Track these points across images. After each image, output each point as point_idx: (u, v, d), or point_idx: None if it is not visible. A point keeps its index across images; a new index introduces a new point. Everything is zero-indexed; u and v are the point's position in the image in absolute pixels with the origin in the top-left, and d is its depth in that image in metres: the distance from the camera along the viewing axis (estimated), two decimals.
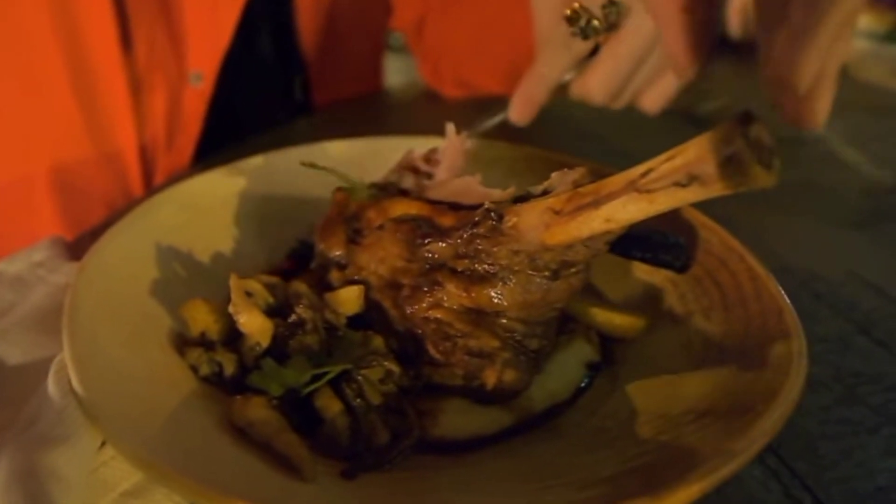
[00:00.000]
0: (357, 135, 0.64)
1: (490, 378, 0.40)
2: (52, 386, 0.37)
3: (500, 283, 0.39)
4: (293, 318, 0.41)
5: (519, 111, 0.58)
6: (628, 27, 0.53)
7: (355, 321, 0.44)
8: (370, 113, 0.97)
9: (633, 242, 0.48)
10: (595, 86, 0.57)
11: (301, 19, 0.89)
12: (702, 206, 0.52)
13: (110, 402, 0.35)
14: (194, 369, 0.42)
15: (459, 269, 0.40)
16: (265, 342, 0.41)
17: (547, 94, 0.58)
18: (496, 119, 0.61)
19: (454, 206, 0.43)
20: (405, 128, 0.67)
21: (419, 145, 0.62)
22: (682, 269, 0.49)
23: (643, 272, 0.52)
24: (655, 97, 0.59)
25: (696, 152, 0.33)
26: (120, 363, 0.39)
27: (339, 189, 0.49)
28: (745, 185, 0.32)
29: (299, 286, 0.44)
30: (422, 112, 1.00)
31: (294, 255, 0.55)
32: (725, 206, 0.52)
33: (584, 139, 0.91)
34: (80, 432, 0.35)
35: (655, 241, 0.49)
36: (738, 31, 1.25)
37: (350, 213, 0.48)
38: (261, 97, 0.90)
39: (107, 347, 0.39)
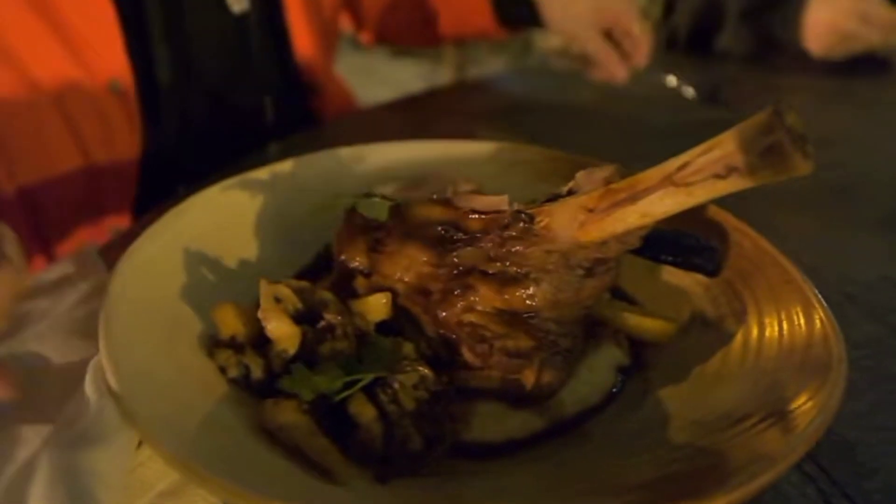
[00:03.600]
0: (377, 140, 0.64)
1: (529, 378, 0.40)
2: (89, 387, 0.38)
3: (533, 284, 0.39)
4: (322, 323, 0.41)
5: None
6: None
7: (382, 327, 0.44)
8: (389, 120, 0.97)
9: (664, 246, 0.48)
10: None
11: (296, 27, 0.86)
12: (731, 208, 0.52)
13: (146, 404, 0.35)
14: (223, 370, 0.43)
15: (491, 272, 0.40)
16: (292, 349, 0.41)
17: None
18: None
19: (477, 211, 0.43)
20: (426, 132, 0.67)
21: (441, 149, 0.62)
22: (713, 273, 0.48)
23: (673, 276, 0.51)
24: None
25: (734, 143, 0.33)
26: (154, 365, 0.39)
27: (352, 211, 0.48)
28: (785, 173, 0.32)
29: (324, 293, 0.44)
30: (443, 117, 1.00)
31: (321, 259, 0.55)
32: (754, 208, 0.52)
33: (599, 140, 0.90)
34: (117, 433, 0.36)
35: (687, 244, 0.48)
36: (820, 49, 1.18)
37: (369, 222, 0.47)
38: (229, 122, 0.83)
39: (141, 350, 0.39)
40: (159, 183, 0.78)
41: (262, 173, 0.57)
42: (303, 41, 0.87)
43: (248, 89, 0.84)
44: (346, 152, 0.61)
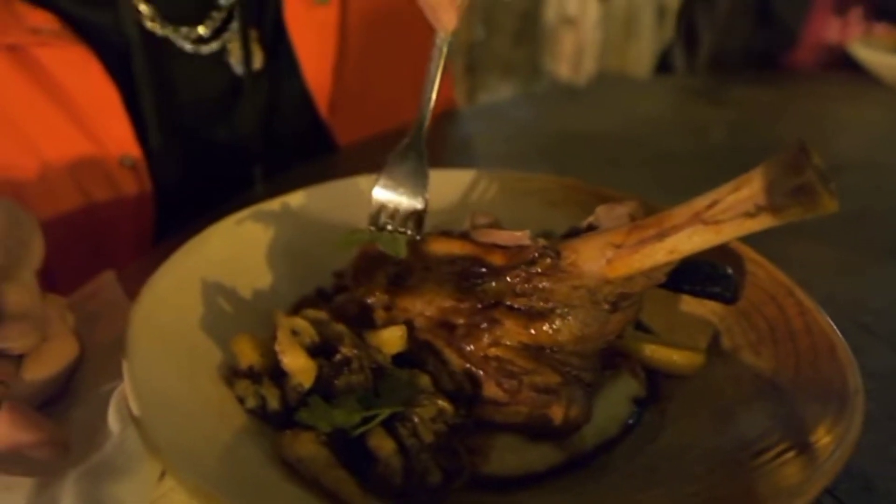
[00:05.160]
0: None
1: (557, 413, 0.40)
2: (112, 418, 0.38)
3: (559, 319, 0.40)
4: (338, 356, 0.42)
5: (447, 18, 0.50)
6: None
7: (398, 359, 0.44)
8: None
9: (682, 275, 0.48)
10: None
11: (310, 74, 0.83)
12: (745, 237, 0.52)
13: (169, 433, 0.35)
14: (241, 401, 0.43)
15: (516, 307, 0.41)
16: (307, 383, 0.41)
17: None
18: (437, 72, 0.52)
19: (499, 246, 0.44)
20: (437, 160, 0.68)
21: (454, 178, 0.63)
22: (731, 301, 0.48)
23: (688, 305, 0.51)
24: None
25: (762, 183, 0.34)
26: (175, 395, 0.39)
27: (364, 252, 0.48)
28: (813, 211, 0.33)
29: (339, 326, 0.44)
30: (456, 143, 1.01)
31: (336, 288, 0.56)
32: (767, 237, 0.52)
33: (611, 166, 0.91)
34: (140, 463, 0.36)
35: (704, 273, 0.48)
36: None
37: (387, 256, 0.47)
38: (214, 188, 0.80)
39: (163, 379, 0.40)
40: (167, 223, 0.79)
41: (274, 204, 0.58)
42: (323, 99, 0.84)
43: (243, 153, 0.83)
44: (359, 182, 0.62)
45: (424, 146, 0.50)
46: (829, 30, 1.44)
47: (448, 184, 0.63)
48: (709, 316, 0.50)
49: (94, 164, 0.72)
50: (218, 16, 0.76)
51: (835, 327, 0.44)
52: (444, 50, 0.51)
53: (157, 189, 0.77)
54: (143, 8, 0.72)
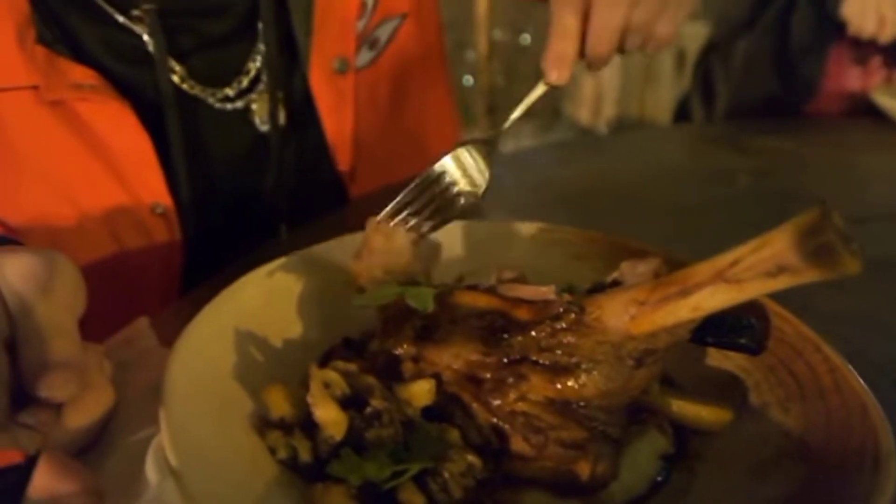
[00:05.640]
0: None
1: (584, 470, 0.40)
2: (150, 468, 0.39)
3: (584, 374, 0.40)
4: (369, 409, 0.42)
5: (555, 71, 0.59)
6: None
7: (426, 412, 0.45)
8: None
9: (706, 328, 0.48)
10: (600, 31, 0.59)
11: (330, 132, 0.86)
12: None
13: (205, 485, 0.36)
14: (272, 451, 0.44)
15: (542, 362, 0.41)
16: (339, 436, 0.42)
17: (576, 49, 0.59)
18: (533, 94, 0.61)
19: (524, 301, 0.44)
20: None
21: (479, 231, 0.64)
22: (757, 352, 0.48)
23: (715, 359, 0.51)
24: (658, 39, 0.63)
25: (783, 243, 0.34)
26: (211, 444, 0.40)
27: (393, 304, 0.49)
28: (835, 272, 0.33)
29: (369, 378, 0.45)
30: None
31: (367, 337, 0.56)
32: (793, 289, 0.52)
33: (629, 214, 0.92)
34: None
35: (729, 324, 0.48)
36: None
37: (415, 309, 0.48)
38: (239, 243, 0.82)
39: (199, 430, 0.41)
40: (194, 270, 0.82)
41: (304, 255, 0.59)
42: (343, 155, 0.88)
43: (267, 203, 0.86)
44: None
45: (497, 148, 0.57)
46: (850, 78, 1.45)
47: (473, 235, 0.64)
48: (736, 371, 0.50)
49: (128, 212, 0.76)
50: (245, 79, 0.81)
51: (865, 386, 0.43)
52: (541, 88, 0.60)
53: (185, 236, 0.80)
54: (176, 68, 0.77)
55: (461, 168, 0.56)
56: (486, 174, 0.56)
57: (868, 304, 0.71)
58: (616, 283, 0.44)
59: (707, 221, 0.91)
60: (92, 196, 0.74)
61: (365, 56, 0.86)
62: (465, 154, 0.56)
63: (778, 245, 0.34)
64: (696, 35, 1.98)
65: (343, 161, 0.87)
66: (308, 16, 0.80)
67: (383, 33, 0.88)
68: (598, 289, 0.44)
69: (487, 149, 0.57)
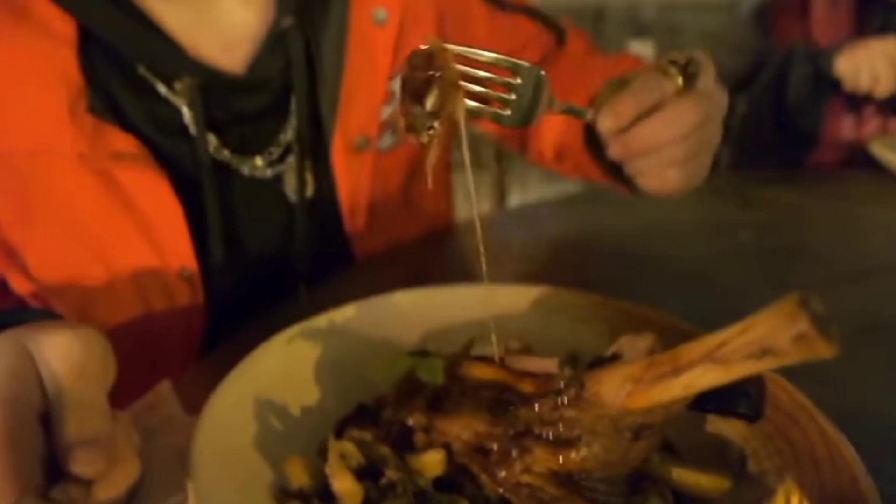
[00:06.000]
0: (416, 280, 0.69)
1: None
2: None
3: (585, 447, 0.43)
4: (384, 480, 0.45)
5: (610, 120, 0.61)
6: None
7: (437, 481, 0.47)
8: (426, 255, 1.00)
9: (705, 395, 0.50)
10: (640, 135, 0.61)
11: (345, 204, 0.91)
12: None
13: None
14: None
15: (545, 434, 0.44)
16: None
17: (635, 113, 0.61)
18: (585, 113, 0.62)
19: (528, 374, 0.47)
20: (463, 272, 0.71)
21: (484, 295, 0.67)
22: (755, 419, 0.49)
23: (713, 426, 0.53)
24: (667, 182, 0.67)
25: (766, 329, 0.37)
26: None
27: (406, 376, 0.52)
28: (812, 356, 0.36)
29: (383, 449, 0.47)
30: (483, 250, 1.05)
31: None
32: None
33: (634, 271, 0.94)
34: None
35: (725, 391, 0.50)
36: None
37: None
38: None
39: (225, 500, 0.43)
40: (214, 330, 0.85)
41: (321, 321, 0.62)
42: (358, 221, 0.92)
43: (291, 267, 0.90)
44: (398, 298, 0.67)
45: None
46: (845, 127, 1.48)
47: (477, 298, 0.67)
48: (735, 437, 0.52)
49: (156, 274, 0.80)
50: (276, 151, 0.86)
51: (856, 456, 0.45)
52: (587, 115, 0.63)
53: (208, 299, 0.83)
54: (211, 138, 0.82)
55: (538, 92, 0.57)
56: (537, 112, 0.57)
57: (866, 363, 0.71)
58: (616, 357, 0.47)
59: (713, 275, 0.92)
60: (124, 258, 0.78)
61: (387, 140, 0.92)
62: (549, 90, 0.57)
63: (761, 330, 0.37)
64: None
65: (353, 226, 0.92)
66: (335, 96, 0.86)
67: None
68: (599, 362, 0.47)
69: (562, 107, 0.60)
